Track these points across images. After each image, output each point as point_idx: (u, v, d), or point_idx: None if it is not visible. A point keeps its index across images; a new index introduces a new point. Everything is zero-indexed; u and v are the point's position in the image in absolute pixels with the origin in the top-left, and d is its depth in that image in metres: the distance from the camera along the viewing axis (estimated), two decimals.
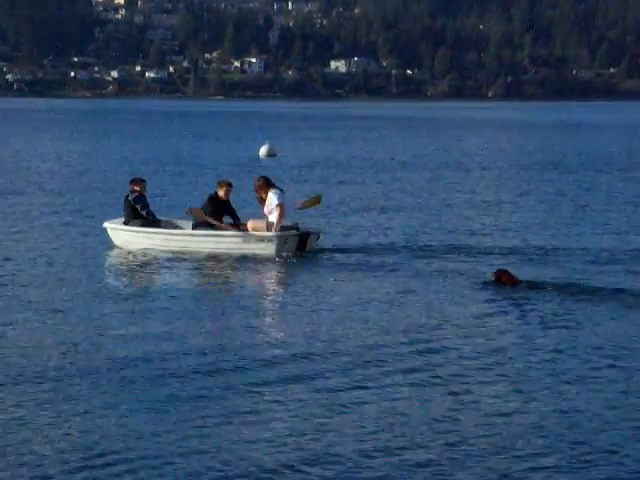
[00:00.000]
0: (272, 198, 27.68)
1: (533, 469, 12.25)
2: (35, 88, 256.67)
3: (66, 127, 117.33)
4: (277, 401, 14.94)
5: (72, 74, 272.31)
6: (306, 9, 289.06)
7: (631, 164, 66.30)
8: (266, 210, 27.89)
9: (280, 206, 27.43)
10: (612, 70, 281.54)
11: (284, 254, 27.21)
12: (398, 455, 12.60)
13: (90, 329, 19.71)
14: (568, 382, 16.06)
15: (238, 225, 28.22)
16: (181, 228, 28.58)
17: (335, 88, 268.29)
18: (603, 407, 14.79)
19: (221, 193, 28.32)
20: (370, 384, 15.88)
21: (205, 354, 18.15)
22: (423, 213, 38.72)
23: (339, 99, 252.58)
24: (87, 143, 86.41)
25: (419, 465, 12.24)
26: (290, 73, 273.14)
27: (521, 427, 13.88)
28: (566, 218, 37.76)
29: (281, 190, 28.29)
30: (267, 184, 28.12)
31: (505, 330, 19.89)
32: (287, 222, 28.03)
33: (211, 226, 27.85)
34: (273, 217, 27.57)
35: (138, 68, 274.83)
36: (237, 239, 27.86)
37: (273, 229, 27.39)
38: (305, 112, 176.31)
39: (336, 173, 57.48)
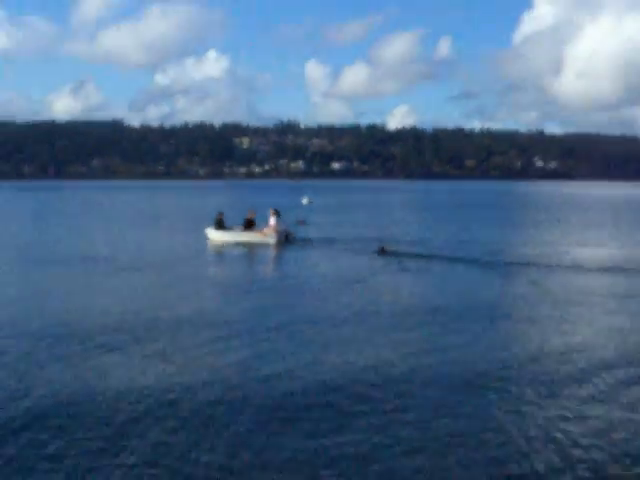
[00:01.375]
0: (271, 219, 27.78)
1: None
2: (210, 177, 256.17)
3: (217, 193, 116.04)
4: None
5: (224, 170, 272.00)
6: (322, 142, 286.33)
7: (462, 205, 65.16)
8: (270, 223, 27.76)
9: (274, 224, 27.51)
10: (456, 172, 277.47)
11: (280, 242, 27.16)
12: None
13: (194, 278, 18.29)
14: (417, 317, 13.05)
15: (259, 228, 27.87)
16: (237, 231, 28.05)
17: (336, 176, 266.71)
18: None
19: (249, 216, 28.13)
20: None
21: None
22: (368, 226, 37.43)
23: (337, 179, 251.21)
24: (227, 196, 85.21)
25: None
26: (316, 168, 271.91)
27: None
28: (436, 227, 36.63)
29: (279, 215, 28.08)
30: (274, 213, 27.95)
31: (385, 277, 18.47)
32: (280, 229, 27.84)
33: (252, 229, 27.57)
34: (272, 228, 27.52)
35: (252, 166, 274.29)
36: (261, 236, 27.41)
37: (273, 232, 27.37)
38: (323, 185, 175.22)
39: (338, 210, 56.48)
